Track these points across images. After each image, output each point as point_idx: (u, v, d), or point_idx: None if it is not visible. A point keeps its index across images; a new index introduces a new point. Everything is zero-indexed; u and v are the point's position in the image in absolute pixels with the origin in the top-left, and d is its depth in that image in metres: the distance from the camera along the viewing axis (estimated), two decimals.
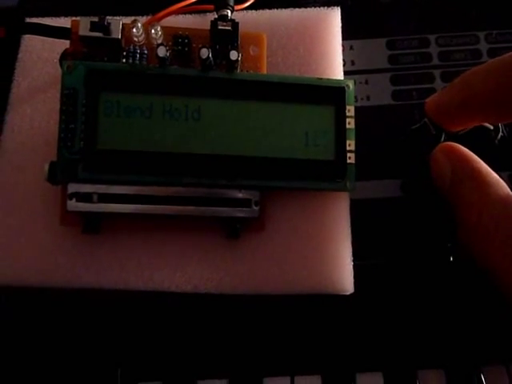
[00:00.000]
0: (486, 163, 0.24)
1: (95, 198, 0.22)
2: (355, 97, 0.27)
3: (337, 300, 0.25)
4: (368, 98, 0.28)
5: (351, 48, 0.29)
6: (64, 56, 0.24)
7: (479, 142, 0.26)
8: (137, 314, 0.25)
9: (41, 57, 0.26)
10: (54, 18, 0.27)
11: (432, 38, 0.29)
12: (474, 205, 0.22)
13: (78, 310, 0.24)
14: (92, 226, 0.23)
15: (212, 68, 0.24)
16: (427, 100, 0.25)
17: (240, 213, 0.23)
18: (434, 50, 0.29)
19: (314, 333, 0.25)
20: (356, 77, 0.28)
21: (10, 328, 0.24)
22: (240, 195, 0.23)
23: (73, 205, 0.22)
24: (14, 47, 0.27)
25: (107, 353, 0.25)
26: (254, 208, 0.23)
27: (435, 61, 0.28)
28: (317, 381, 0.26)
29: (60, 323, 0.24)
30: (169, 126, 0.23)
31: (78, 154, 0.22)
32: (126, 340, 0.25)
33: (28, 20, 0.27)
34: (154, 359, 0.26)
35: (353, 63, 0.28)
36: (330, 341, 0.25)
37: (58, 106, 0.23)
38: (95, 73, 0.23)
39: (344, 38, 0.28)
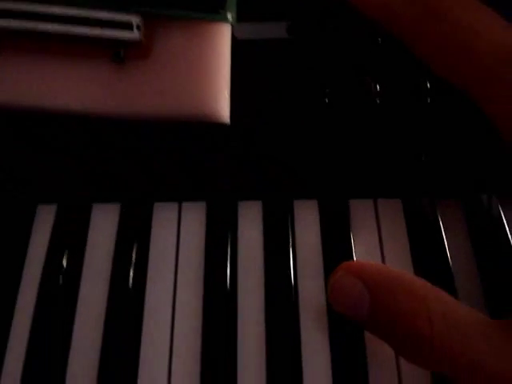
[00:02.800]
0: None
1: None
2: None
3: (217, 131, 0.27)
4: None
5: None
6: None
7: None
8: (27, 132, 0.27)
9: None
10: None
11: None
12: None
13: None
14: None
15: None
16: None
17: (122, 34, 0.25)
18: None
19: (197, 161, 0.28)
20: None
21: None
22: (122, 18, 0.25)
23: None
24: None
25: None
26: (136, 32, 0.25)
27: None
28: (201, 206, 0.28)
29: None
30: None
31: None
32: (18, 160, 0.27)
33: None
34: (50, 180, 0.28)
35: None
36: (213, 170, 0.28)
37: None
38: None
39: None
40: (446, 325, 0.19)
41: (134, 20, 0.25)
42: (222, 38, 0.26)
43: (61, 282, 0.26)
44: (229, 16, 0.25)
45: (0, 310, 0.25)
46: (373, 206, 0.28)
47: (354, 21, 0.28)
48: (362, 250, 0.27)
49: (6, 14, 0.24)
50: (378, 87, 0.28)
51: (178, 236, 0.27)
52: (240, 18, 0.26)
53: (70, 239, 0.27)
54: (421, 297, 0.20)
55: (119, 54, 0.25)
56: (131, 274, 0.26)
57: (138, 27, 0.25)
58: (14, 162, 0.28)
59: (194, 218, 0.28)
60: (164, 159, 0.28)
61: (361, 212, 0.28)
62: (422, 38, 0.25)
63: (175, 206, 0.28)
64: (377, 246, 0.27)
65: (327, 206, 0.28)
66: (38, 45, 0.25)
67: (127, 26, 0.25)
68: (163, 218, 0.28)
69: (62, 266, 0.26)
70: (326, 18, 0.28)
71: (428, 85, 0.28)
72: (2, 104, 0.25)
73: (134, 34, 0.25)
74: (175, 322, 0.25)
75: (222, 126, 0.26)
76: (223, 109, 0.26)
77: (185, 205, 0.28)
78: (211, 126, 0.26)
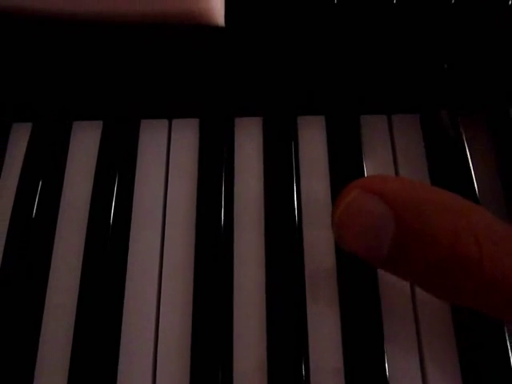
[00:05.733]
0: None
1: None
2: None
3: (211, 35, 0.23)
4: None
5: None
6: None
7: None
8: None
9: None
10: None
11: None
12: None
13: None
14: None
15: None
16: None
17: None
18: None
19: (190, 75, 0.24)
20: None
21: None
22: None
23: None
24: None
25: None
26: None
27: None
28: (194, 124, 0.25)
29: None
30: None
31: None
32: None
33: None
34: (24, 95, 0.25)
35: None
36: (207, 83, 0.24)
37: None
38: None
39: None
40: (494, 244, 0.15)
41: None
42: None
43: (35, 210, 0.23)
44: None
45: None
46: (387, 122, 0.25)
47: None
48: (374, 171, 0.24)
49: None
50: None
51: (167, 158, 0.24)
52: None
53: (47, 162, 0.24)
54: (463, 213, 0.16)
55: None
56: (114, 202, 0.23)
57: None
58: None
59: (186, 136, 0.25)
60: (151, 69, 0.24)
61: (373, 129, 0.25)
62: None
63: (165, 123, 0.25)
64: (391, 166, 0.24)
65: (335, 123, 0.25)
66: None
67: None
68: (151, 138, 0.25)
69: (37, 193, 0.23)
70: None
71: None
72: None
73: None
74: (163, 262, 0.22)
75: (215, 28, 0.23)
76: (216, 8, 0.22)
77: (175, 122, 0.25)
78: (203, 28, 0.23)
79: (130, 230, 0.23)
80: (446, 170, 0.23)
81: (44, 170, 0.24)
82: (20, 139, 0.25)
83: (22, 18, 0.23)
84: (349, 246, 0.17)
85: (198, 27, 0.23)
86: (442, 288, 0.17)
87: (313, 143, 0.25)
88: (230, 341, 0.21)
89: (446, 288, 0.16)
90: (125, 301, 0.21)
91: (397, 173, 0.24)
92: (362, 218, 0.16)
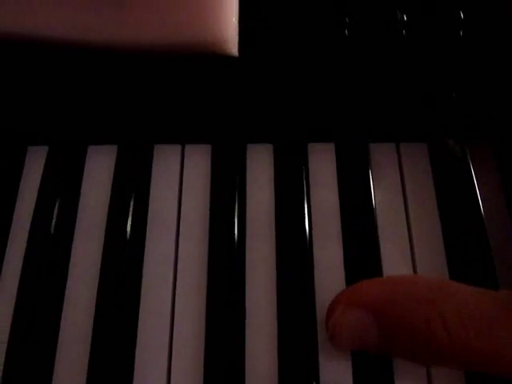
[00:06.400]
0: None
1: None
2: None
3: (224, 64, 0.24)
4: None
5: None
6: None
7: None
8: (19, 66, 0.24)
9: None
10: None
11: None
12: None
13: None
14: None
15: None
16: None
17: None
18: None
19: (203, 101, 0.25)
20: None
21: None
22: None
23: None
24: None
25: None
26: None
27: None
28: (207, 149, 0.26)
29: None
30: None
31: None
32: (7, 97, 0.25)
33: None
34: (39, 121, 0.25)
35: None
36: (220, 110, 0.25)
37: None
38: None
39: None
40: (460, 323, 0.18)
41: None
42: None
43: (52, 232, 0.23)
44: None
45: None
46: (395, 150, 0.26)
47: None
48: (383, 199, 0.24)
49: None
50: (404, 17, 0.25)
51: (180, 183, 0.25)
52: None
53: (62, 185, 0.24)
54: (430, 301, 0.19)
55: None
56: (129, 224, 0.23)
57: None
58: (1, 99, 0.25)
59: (199, 162, 0.25)
60: (165, 96, 0.25)
61: (382, 157, 0.25)
62: None
63: (178, 148, 0.26)
64: (399, 193, 0.24)
65: (345, 150, 0.25)
66: None
67: None
68: (165, 162, 0.25)
69: (53, 214, 0.23)
70: None
71: (462, 14, 0.25)
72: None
73: None
74: (177, 279, 0.23)
75: (229, 58, 0.24)
76: (231, 38, 0.23)
77: (188, 147, 0.26)
78: (218, 58, 0.24)
79: (144, 252, 0.23)
80: (453, 198, 0.24)
81: (60, 194, 0.24)
82: (36, 162, 0.25)
83: (38, 44, 0.24)
84: (343, 347, 0.21)
85: (211, 56, 0.23)
86: (429, 360, 0.20)
87: (323, 170, 0.25)
88: (242, 354, 0.21)
89: (432, 360, 0.20)
90: (140, 315, 0.22)
91: (405, 200, 0.24)
92: (349, 328, 0.20)
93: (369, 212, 0.23)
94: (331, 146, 0.25)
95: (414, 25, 0.25)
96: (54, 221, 0.23)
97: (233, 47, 0.23)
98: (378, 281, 0.21)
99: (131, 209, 0.24)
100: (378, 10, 0.25)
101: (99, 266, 0.23)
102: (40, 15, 0.22)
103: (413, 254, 0.23)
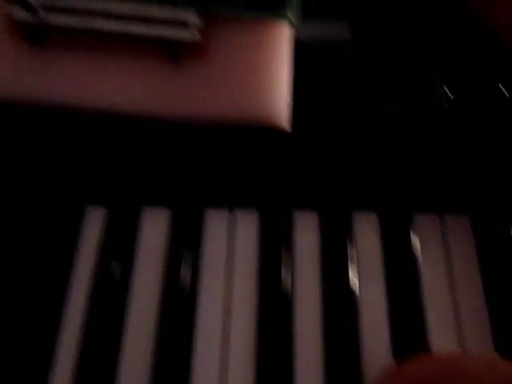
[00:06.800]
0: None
1: (40, 8, 0.23)
2: None
3: (276, 138, 0.26)
4: None
5: None
6: None
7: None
8: (80, 133, 0.26)
9: None
10: None
11: None
12: None
13: (24, 123, 0.26)
14: (36, 36, 0.24)
15: None
16: None
17: (179, 34, 0.23)
18: None
19: (253, 168, 0.26)
20: None
21: None
22: (180, 17, 0.23)
23: (18, 14, 0.23)
24: None
25: (44, 171, 0.26)
26: (194, 31, 0.24)
27: None
28: (254, 215, 0.27)
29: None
30: None
31: None
32: (69, 159, 0.26)
33: None
34: (98, 181, 0.27)
35: None
36: (269, 178, 0.26)
37: None
38: None
39: None
40: None
41: (193, 19, 0.23)
42: (283, 39, 0.24)
43: (110, 290, 0.25)
44: (290, 15, 0.24)
45: (48, 317, 0.24)
46: (439, 221, 0.26)
47: (420, 21, 0.26)
48: (427, 269, 0.25)
49: (62, 11, 0.23)
50: (447, 91, 0.26)
51: (229, 244, 0.26)
52: (302, 17, 0.25)
53: (119, 244, 0.26)
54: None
55: (176, 54, 0.24)
56: (182, 283, 0.25)
57: (197, 27, 0.23)
58: (62, 161, 0.27)
59: (247, 225, 0.26)
60: (217, 163, 0.26)
61: (425, 227, 0.26)
62: None
63: (227, 212, 0.27)
64: (442, 263, 0.25)
65: (388, 220, 0.26)
66: (92, 41, 0.24)
67: (185, 26, 0.23)
68: (214, 225, 0.27)
69: (112, 273, 0.25)
70: (389, 18, 0.26)
71: (507, 94, 0.25)
72: (56, 102, 0.24)
73: (192, 34, 0.23)
74: (230, 337, 0.24)
75: (280, 132, 0.25)
76: (283, 114, 0.24)
77: (237, 212, 0.27)
78: (269, 131, 0.25)
79: (195, 315, 0.24)
80: (497, 272, 0.24)
81: (116, 254, 0.26)
82: (94, 221, 0.27)
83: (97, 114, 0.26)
84: None
85: (265, 130, 0.25)
86: None
87: (367, 236, 0.26)
88: None
89: None
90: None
91: (450, 271, 0.25)
92: None
93: (415, 283, 0.24)
94: (374, 216, 0.26)
95: (457, 100, 0.26)
96: (112, 280, 0.25)
97: (284, 121, 0.24)
98: (427, 358, 0.21)
99: (184, 269, 0.25)
100: (422, 86, 0.26)
101: (154, 326, 0.24)
102: (99, 89, 0.24)
103: (459, 327, 0.23)
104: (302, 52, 0.25)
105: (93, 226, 0.27)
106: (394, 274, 0.24)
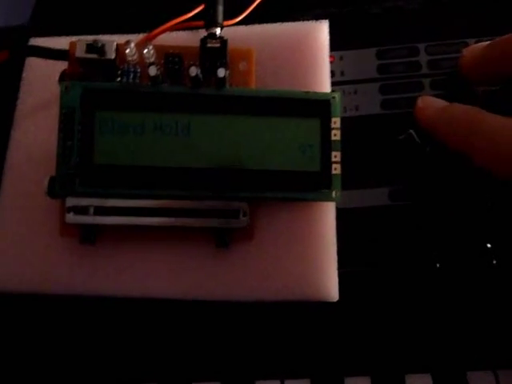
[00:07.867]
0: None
1: (91, 210, 0.24)
2: (344, 107, 0.28)
3: (324, 307, 0.26)
4: (357, 108, 0.28)
5: (341, 59, 0.29)
6: (62, 76, 0.25)
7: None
8: (132, 320, 0.26)
9: (44, 76, 0.28)
10: (57, 38, 0.29)
11: (421, 46, 0.29)
12: None
13: (75, 316, 0.26)
14: (89, 236, 0.24)
15: (201, 85, 0.25)
16: (464, 52, 0.28)
17: (229, 224, 0.24)
18: (423, 58, 0.29)
19: (302, 338, 0.26)
20: (345, 87, 0.29)
21: (10, 334, 0.26)
22: (229, 207, 0.24)
23: (71, 217, 0.24)
24: (18, 67, 0.28)
25: (104, 358, 0.26)
26: (243, 219, 0.24)
27: (424, 69, 0.29)
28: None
29: (58, 330, 0.26)
30: (160, 142, 0.24)
31: (75, 169, 0.24)
32: (122, 345, 0.26)
33: (32, 40, 0.29)
34: (150, 363, 0.27)
35: (342, 74, 0.29)
36: (318, 346, 0.26)
37: None
38: (91, 92, 0.24)
39: (334, 48, 0.28)
40: None
41: (242, 207, 0.24)
42: (328, 217, 0.25)
43: None
44: (334, 194, 0.25)
45: None
46: (494, 378, 0.26)
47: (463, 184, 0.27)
48: None
49: (112, 212, 0.24)
50: (493, 251, 0.26)
51: None
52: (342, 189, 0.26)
53: None
54: None
55: (224, 240, 0.24)
56: None
57: (245, 214, 0.24)
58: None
59: None
60: (266, 335, 0.26)
61: None
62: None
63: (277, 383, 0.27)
64: None
65: (443, 380, 0.26)
66: (139, 234, 0.25)
67: (234, 214, 0.24)
68: None
69: None
70: (429, 181, 0.27)
71: None
72: (106, 294, 0.25)
73: (241, 221, 0.24)
74: None
75: (329, 302, 0.25)
76: (331, 287, 0.25)
77: (287, 383, 0.27)
78: (317, 303, 0.25)
79: None
80: None
81: None
82: None
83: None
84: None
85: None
86: None
87: None
88: None
89: None
90: None
91: None
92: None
93: None
94: (428, 377, 0.26)
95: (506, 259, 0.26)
96: None
97: (333, 294, 0.25)
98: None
99: None
100: (466, 245, 0.26)
101: None
102: (142, 276, 0.25)
103: None
104: (343, 218, 0.26)
105: None
106: None
